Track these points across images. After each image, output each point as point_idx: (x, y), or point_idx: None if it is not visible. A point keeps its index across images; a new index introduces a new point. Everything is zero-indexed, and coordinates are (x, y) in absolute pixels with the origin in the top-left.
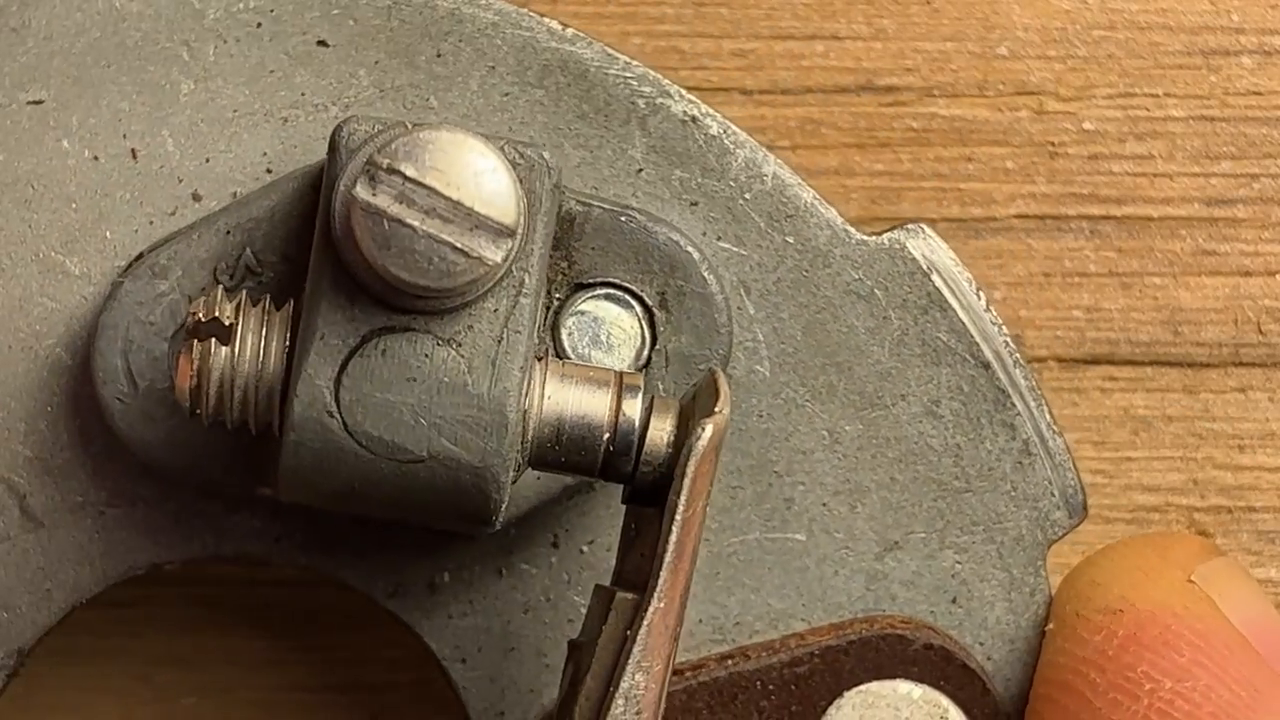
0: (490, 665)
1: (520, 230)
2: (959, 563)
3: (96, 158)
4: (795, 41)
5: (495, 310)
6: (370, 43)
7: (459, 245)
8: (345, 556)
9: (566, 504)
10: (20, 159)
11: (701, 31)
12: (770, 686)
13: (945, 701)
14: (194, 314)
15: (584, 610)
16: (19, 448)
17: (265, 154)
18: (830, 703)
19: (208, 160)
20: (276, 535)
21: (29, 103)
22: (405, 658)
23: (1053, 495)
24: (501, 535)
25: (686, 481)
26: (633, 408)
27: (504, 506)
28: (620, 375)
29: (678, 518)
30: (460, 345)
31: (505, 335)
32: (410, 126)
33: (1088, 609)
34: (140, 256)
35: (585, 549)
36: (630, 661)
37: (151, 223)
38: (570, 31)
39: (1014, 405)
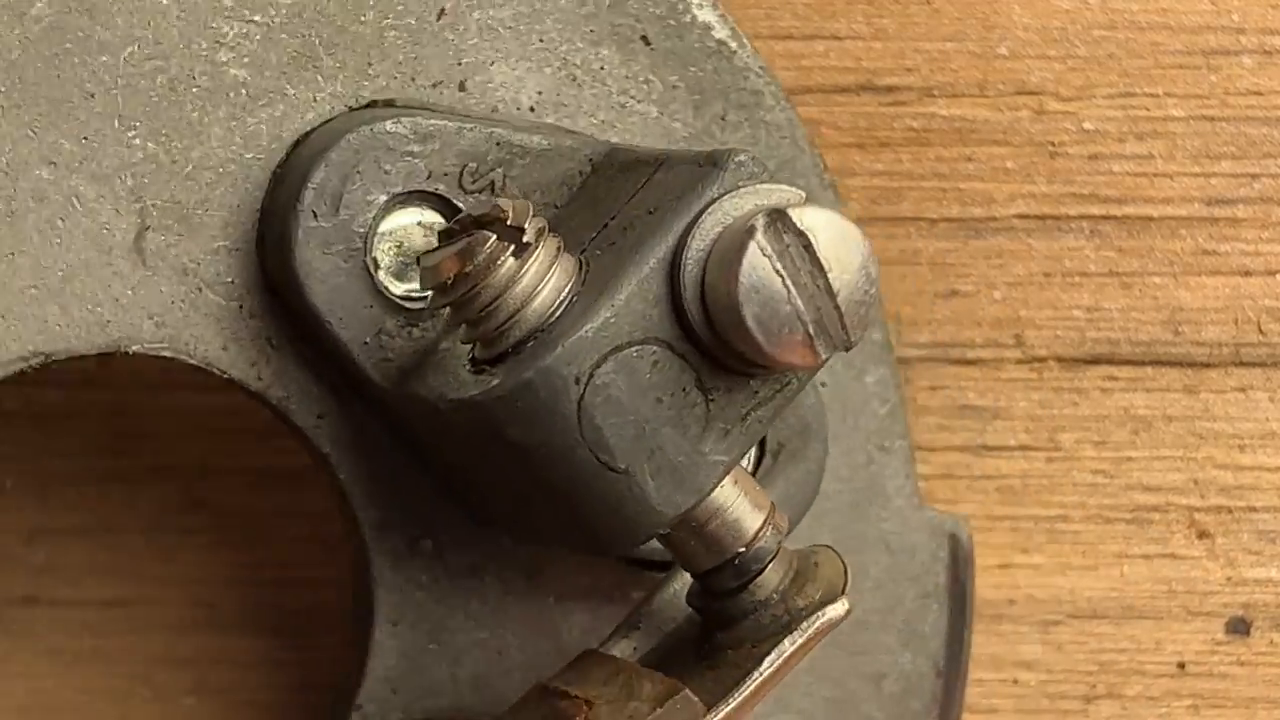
0: (412, 644)
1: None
2: None
3: None
4: (795, 41)
5: (756, 392)
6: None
7: (810, 330)
8: (369, 475)
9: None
10: None
11: None
12: None
13: None
14: (502, 212)
15: (512, 647)
16: (175, 193)
17: (540, 93)
18: None
19: (492, 64)
20: (320, 413)
21: None
22: None
23: None
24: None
25: (803, 636)
26: (774, 540)
27: (613, 554)
28: (774, 506)
29: (775, 660)
30: (713, 401)
31: (751, 417)
32: (804, 198)
33: None
34: (390, 104)
35: (553, 600)
36: None
37: (414, 79)
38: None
39: None
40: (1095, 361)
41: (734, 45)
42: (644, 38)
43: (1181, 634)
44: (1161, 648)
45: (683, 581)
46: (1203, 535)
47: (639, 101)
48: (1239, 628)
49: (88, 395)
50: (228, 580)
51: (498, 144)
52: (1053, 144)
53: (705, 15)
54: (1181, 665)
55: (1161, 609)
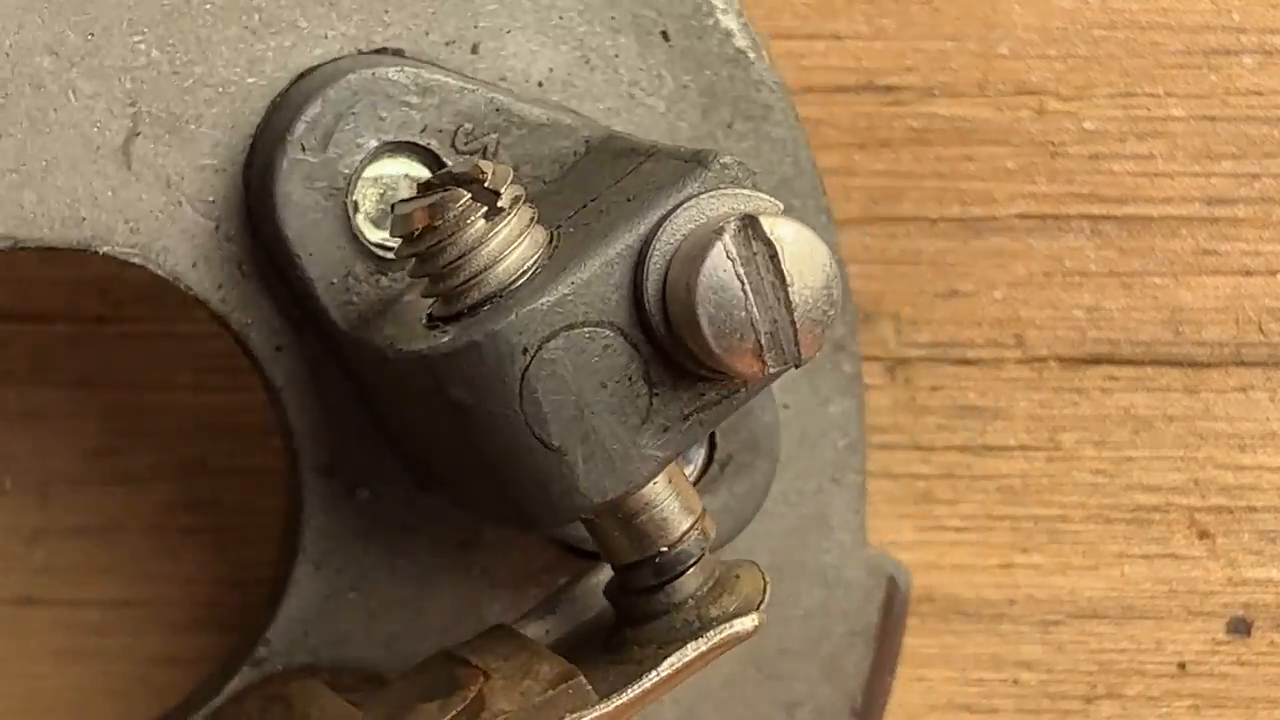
0: (332, 589)
1: (802, 366)
2: None
3: None
4: (795, 41)
5: (702, 395)
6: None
7: (761, 341)
8: (318, 416)
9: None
10: None
11: None
12: None
13: None
14: (481, 173)
15: (432, 610)
16: (172, 104)
17: (551, 70)
18: None
19: (508, 32)
20: (279, 345)
21: None
22: None
23: None
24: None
25: (706, 645)
26: (698, 545)
27: (535, 530)
28: (704, 512)
29: (675, 663)
30: (657, 395)
31: (692, 419)
32: (781, 210)
33: None
34: (399, 53)
35: (479, 571)
36: None
37: (428, 33)
38: None
39: None
40: (1095, 361)
41: (752, 56)
42: (664, 33)
43: (1182, 634)
44: (1162, 648)
45: (607, 573)
46: (1203, 535)
47: (648, 95)
48: (1239, 628)
49: (88, 395)
50: (228, 580)
51: (497, 110)
52: (1053, 144)
53: (728, 21)
54: (1182, 665)
55: (1162, 609)
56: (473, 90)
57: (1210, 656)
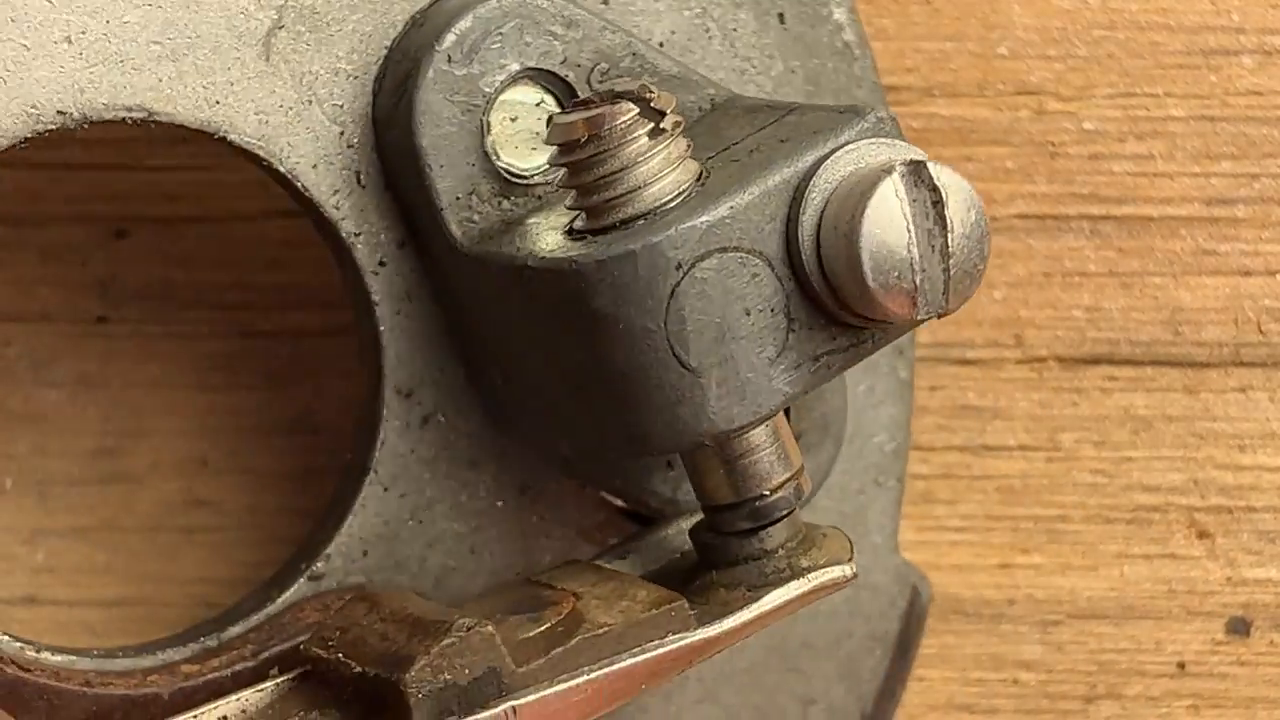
0: (395, 513)
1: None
2: None
3: None
4: None
5: (834, 338)
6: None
7: (917, 282)
8: (409, 338)
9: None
10: None
11: None
12: None
13: None
14: (648, 92)
15: (485, 550)
16: (317, 3)
17: (673, 32)
18: None
19: None
20: (383, 259)
21: None
22: None
23: None
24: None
25: (808, 585)
26: (794, 497)
27: (651, 453)
28: (803, 468)
29: (776, 600)
30: (793, 331)
31: (823, 360)
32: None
33: None
34: None
35: (536, 519)
36: (648, 655)
37: None
38: None
39: None
40: (1095, 361)
41: (857, 52)
42: (780, 15)
43: (1181, 634)
44: (1161, 648)
45: (676, 529)
46: (1203, 535)
47: (758, 73)
48: (1239, 628)
49: (88, 395)
50: (228, 580)
51: (634, 54)
52: (1053, 144)
53: (840, 15)
54: (1181, 665)
55: (1161, 609)
56: (613, 32)
57: (1210, 656)
